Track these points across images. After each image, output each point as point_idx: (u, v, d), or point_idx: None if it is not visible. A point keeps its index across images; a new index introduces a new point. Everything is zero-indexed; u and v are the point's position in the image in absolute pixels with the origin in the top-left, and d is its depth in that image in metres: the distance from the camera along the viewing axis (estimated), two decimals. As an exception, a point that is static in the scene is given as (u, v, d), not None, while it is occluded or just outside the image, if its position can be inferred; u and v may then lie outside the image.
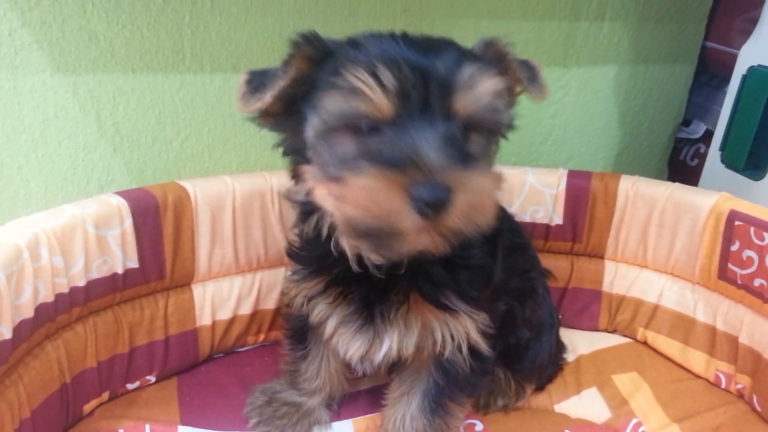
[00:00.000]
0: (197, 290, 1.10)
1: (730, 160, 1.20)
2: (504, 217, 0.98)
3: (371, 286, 0.79)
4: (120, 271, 0.97)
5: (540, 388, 1.11)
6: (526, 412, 1.08)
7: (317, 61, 0.70)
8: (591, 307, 1.28)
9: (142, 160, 1.10)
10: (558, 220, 1.24)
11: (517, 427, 1.03)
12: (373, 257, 0.75)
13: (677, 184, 1.16)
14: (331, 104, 0.66)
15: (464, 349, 0.84)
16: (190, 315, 1.09)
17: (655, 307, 1.21)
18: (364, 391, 1.09)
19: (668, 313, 1.19)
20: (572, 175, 1.23)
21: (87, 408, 0.98)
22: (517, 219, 1.22)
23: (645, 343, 1.24)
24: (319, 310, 0.85)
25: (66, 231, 0.89)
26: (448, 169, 0.61)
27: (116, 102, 1.04)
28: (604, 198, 1.21)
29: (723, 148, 1.21)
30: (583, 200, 1.22)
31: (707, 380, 1.14)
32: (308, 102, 0.70)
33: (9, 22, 0.94)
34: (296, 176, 0.78)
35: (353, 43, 0.70)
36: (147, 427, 0.95)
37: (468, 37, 1.24)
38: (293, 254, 0.86)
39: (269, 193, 1.10)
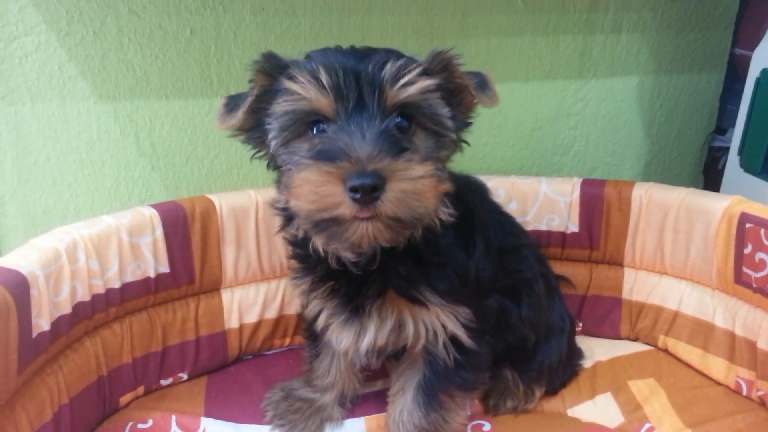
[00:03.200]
0: (225, 295, 1.19)
1: (747, 164, 1.19)
2: (496, 218, 1.02)
3: (351, 282, 0.85)
4: (152, 275, 1.08)
5: (553, 392, 1.12)
6: (537, 415, 1.09)
7: (274, 74, 0.78)
8: (612, 314, 1.28)
9: (177, 177, 1.22)
10: (574, 227, 1.26)
11: (526, 429, 1.05)
12: (343, 254, 0.81)
13: (691, 189, 1.16)
14: (283, 107, 0.75)
15: (440, 341, 0.88)
16: (219, 318, 1.18)
17: (675, 314, 1.20)
18: (378, 392, 1.13)
19: (688, 320, 1.18)
20: (586, 183, 1.25)
21: (123, 400, 1.08)
22: (530, 227, 1.26)
23: (666, 350, 1.22)
24: (313, 305, 0.92)
25: (102, 238, 1.00)
26: (377, 159, 0.68)
27: (152, 125, 1.17)
28: (618, 205, 1.22)
29: (741, 152, 1.20)
30: (598, 208, 1.23)
31: (728, 387, 1.11)
32: (268, 112, 0.78)
33: (58, 58, 1.08)
34: (278, 185, 0.85)
35: (306, 56, 0.79)
36: (173, 417, 1.04)
37: (480, 56, 1.31)
38: (292, 255, 0.93)
39: (290, 204, 1.19)
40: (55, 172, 1.14)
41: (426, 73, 0.75)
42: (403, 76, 0.73)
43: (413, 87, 0.73)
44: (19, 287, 0.83)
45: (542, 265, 1.07)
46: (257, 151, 0.84)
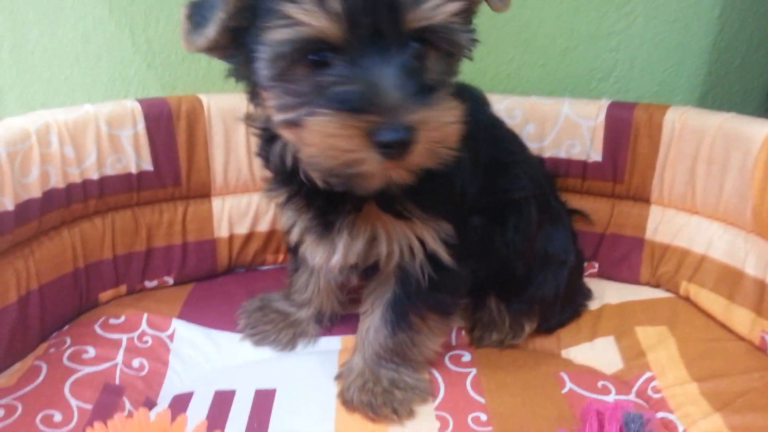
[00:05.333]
0: (216, 202, 1.15)
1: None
2: (490, 131, 0.92)
3: (329, 197, 0.77)
4: (134, 171, 1.05)
5: (548, 330, 1.03)
6: (524, 351, 1.01)
7: None
8: (631, 255, 1.15)
9: (174, 77, 1.18)
10: (596, 156, 1.13)
11: (508, 364, 0.96)
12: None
13: (732, 114, 1.00)
14: (277, 35, 0.62)
15: (418, 258, 0.81)
16: (208, 225, 1.15)
17: (702, 258, 1.06)
18: (360, 314, 1.08)
19: (715, 265, 1.04)
20: (614, 106, 1.11)
21: (103, 296, 1.07)
22: (547, 154, 1.15)
23: (687, 299, 1.09)
24: (287, 217, 0.86)
25: (78, 125, 0.98)
26: (409, 107, 0.60)
27: (148, 19, 1.12)
28: (648, 131, 1.08)
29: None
30: (625, 134, 1.10)
31: (751, 342, 0.97)
32: (253, 34, 0.65)
33: (51, -59, 1.05)
34: (254, 100, 0.75)
35: None
36: (145, 315, 1.02)
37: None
38: (260, 155, 0.86)
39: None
40: (53, 64, 1.13)
41: None
42: None
43: (441, 11, 0.63)
44: (-25, 160, 0.82)
45: (538, 187, 0.95)
46: (234, 70, 0.72)
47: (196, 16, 0.67)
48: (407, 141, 0.60)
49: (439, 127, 0.63)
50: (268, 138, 0.79)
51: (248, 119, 0.83)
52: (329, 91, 0.62)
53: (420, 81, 0.63)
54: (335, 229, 0.80)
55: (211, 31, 0.65)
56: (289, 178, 0.80)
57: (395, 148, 0.60)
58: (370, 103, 0.60)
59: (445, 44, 0.67)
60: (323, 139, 0.61)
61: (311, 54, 0.63)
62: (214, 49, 0.68)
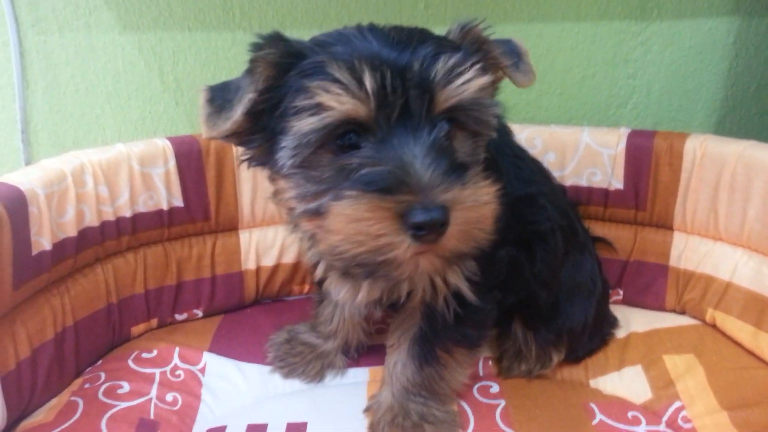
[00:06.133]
0: (243, 235, 1.17)
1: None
2: (514, 162, 0.93)
3: None
4: (165, 207, 1.08)
5: (575, 359, 1.03)
6: (553, 381, 1.01)
7: (285, 66, 0.63)
8: (656, 283, 1.15)
9: (201, 114, 1.20)
10: (618, 184, 1.14)
11: (536, 395, 0.97)
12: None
13: (752, 142, 1.01)
14: (307, 123, 0.60)
15: (441, 296, 0.81)
16: (236, 258, 1.17)
17: (728, 285, 1.06)
18: (386, 346, 1.09)
19: (741, 292, 1.04)
20: (634, 134, 1.12)
21: (135, 330, 1.09)
22: (569, 182, 1.16)
23: (714, 326, 1.09)
24: (311, 254, 0.85)
25: (112, 164, 1.01)
26: (442, 186, 0.57)
27: (176, 58, 1.16)
28: (668, 159, 1.09)
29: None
30: (646, 162, 1.11)
31: (780, 370, 0.97)
32: (278, 116, 0.63)
33: (84, -15, 1.09)
34: (274, 184, 0.73)
35: (320, 44, 0.64)
36: (177, 349, 1.04)
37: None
38: None
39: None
40: (84, 104, 1.16)
41: (479, 66, 0.63)
42: (458, 75, 0.61)
43: (469, 89, 0.62)
44: (15, 202, 0.85)
45: (564, 217, 0.96)
46: (251, 157, 0.69)
47: (219, 99, 0.65)
48: (441, 222, 0.56)
49: (474, 207, 0.60)
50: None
51: (275, 197, 0.79)
52: (356, 173, 0.59)
53: (452, 157, 0.61)
54: None
55: (237, 113, 0.62)
56: None
57: (429, 231, 0.56)
58: (401, 183, 0.57)
59: (473, 123, 0.66)
60: (349, 223, 0.58)
61: (338, 139, 0.61)
62: (235, 133, 0.66)
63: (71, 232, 0.95)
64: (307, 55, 0.63)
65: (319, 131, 0.60)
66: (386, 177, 0.57)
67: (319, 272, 0.87)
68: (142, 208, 1.06)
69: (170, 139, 1.08)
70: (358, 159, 0.60)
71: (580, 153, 1.15)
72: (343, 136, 0.61)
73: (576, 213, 1.07)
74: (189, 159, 1.08)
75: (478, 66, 0.63)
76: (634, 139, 1.11)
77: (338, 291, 0.86)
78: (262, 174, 1.10)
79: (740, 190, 1.01)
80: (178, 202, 1.09)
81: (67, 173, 0.94)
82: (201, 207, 1.11)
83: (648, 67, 1.29)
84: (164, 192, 1.07)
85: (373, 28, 0.64)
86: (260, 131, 0.66)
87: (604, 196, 1.16)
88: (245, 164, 0.72)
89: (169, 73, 1.16)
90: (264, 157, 0.68)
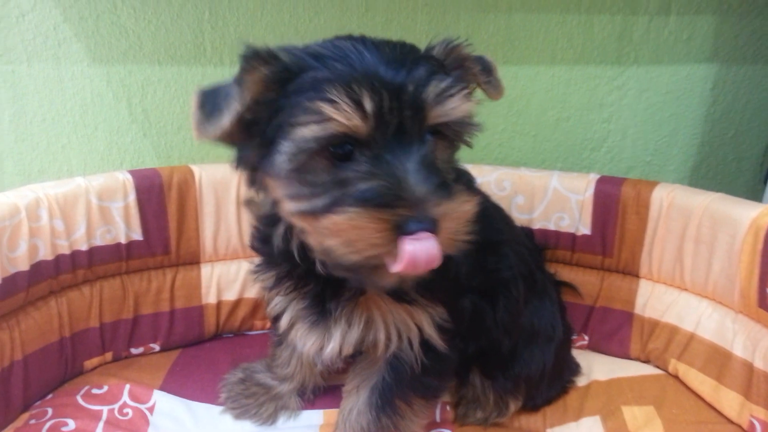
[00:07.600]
0: (205, 269, 1.16)
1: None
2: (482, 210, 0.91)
3: (327, 282, 0.76)
4: (123, 241, 1.06)
5: (533, 407, 1.01)
6: (509, 430, 0.98)
7: (278, 82, 0.65)
8: (622, 330, 1.13)
9: (169, 146, 1.20)
10: (585, 230, 1.13)
11: (490, 445, 0.95)
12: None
13: (719, 194, 1.00)
14: (306, 131, 0.62)
15: (415, 344, 0.79)
16: (196, 292, 1.16)
17: (691, 337, 1.04)
18: (342, 386, 1.07)
19: (704, 344, 1.02)
20: (602, 181, 1.11)
21: (89, 364, 1.07)
22: (537, 226, 1.14)
23: (677, 377, 1.06)
24: (275, 303, 0.84)
25: (69, 198, 1.00)
26: (434, 201, 0.61)
27: (145, 91, 1.15)
28: (636, 207, 1.07)
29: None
30: (613, 209, 1.10)
31: (739, 426, 0.95)
32: (276, 127, 0.65)
33: (54, 18, 1.08)
34: (257, 185, 0.74)
35: (317, 56, 0.66)
36: (127, 386, 1.02)
37: (499, 33, 1.20)
38: (254, 246, 0.85)
39: (275, 181, 1.14)
40: (50, 133, 1.16)
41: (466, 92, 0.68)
42: (447, 98, 0.65)
43: (456, 112, 0.66)
44: (-39, 237, 0.84)
45: (524, 265, 0.95)
46: (240, 158, 0.71)
47: (209, 105, 0.65)
48: (432, 231, 0.60)
49: (459, 219, 0.64)
50: (272, 222, 0.77)
51: (250, 204, 0.81)
52: (354, 187, 0.62)
53: (439, 175, 0.65)
54: (332, 317, 0.78)
55: (225, 121, 0.63)
56: (279, 260, 0.79)
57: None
58: (397, 198, 0.61)
59: (453, 135, 0.69)
60: (351, 232, 0.61)
61: (334, 147, 0.63)
62: (226, 138, 0.67)
63: (23, 266, 0.94)
64: (303, 69, 0.65)
65: (319, 140, 0.63)
66: (384, 191, 0.61)
67: (284, 323, 0.84)
68: (99, 242, 1.04)
69: (132, 172, 1.07)
70: (355, 173, 0.63)
71: (548, 197, 1.14)
72: (339, 146, 0.64)
73: (536, 259, 1.05)
74: (150, 193, 1.07)
75: (465, 92, 0.67)
76: (602, 185, 1.10)
77: (304, 343, 0.83)
78: (224, 207, 1.12)
79: (706, 243, 0.99)
80: (137, 235, 1.08)
81: (21, 207, 0.93)
82: (161, 241, 1.10)
83: (623, 112, 1.28)
84: (123, 226, 1.06)
85: (366, 41, 0.67)
86: (252, 137, 0.67)
87: (572, 240, 1.14)
88: (233, 164, 0.73)
89: (137, 105, 1.16)
90: (254, 160, 0.69)
